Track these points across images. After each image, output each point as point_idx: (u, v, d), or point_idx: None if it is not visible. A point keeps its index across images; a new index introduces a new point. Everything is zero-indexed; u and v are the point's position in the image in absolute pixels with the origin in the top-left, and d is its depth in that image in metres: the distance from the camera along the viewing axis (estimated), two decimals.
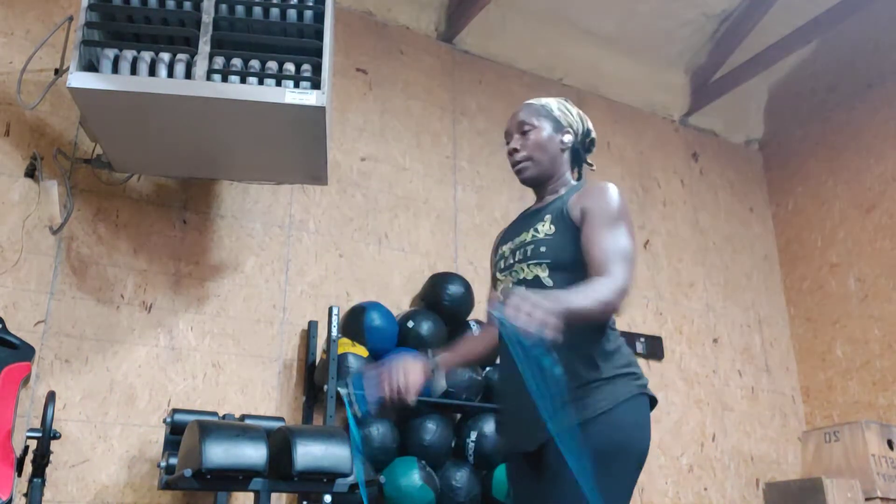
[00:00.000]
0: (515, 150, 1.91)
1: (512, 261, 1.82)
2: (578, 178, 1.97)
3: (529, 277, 1.76)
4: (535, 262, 1.75)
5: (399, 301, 3.91)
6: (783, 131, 5.78)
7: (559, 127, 1.91)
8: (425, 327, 3.59)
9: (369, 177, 4.09)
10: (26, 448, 2.72)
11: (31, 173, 3.18)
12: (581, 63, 5.07)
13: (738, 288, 5.30)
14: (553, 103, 1.94)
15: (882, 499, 4.16)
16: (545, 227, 1.79)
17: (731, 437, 4.81)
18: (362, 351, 3.39)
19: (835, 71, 5.43)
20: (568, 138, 1.91)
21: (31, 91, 3.24)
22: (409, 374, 1.75)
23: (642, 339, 4.66)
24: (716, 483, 4.62)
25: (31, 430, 2.66)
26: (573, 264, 1.71)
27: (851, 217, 5.15)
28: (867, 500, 4.15)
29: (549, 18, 4.85)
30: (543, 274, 1.74)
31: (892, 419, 4.64)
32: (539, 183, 1.92)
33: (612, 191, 1.74)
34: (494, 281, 1.91)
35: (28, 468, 2.71)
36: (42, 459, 2.63)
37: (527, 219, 1.90)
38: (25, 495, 2.62)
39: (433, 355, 1.88)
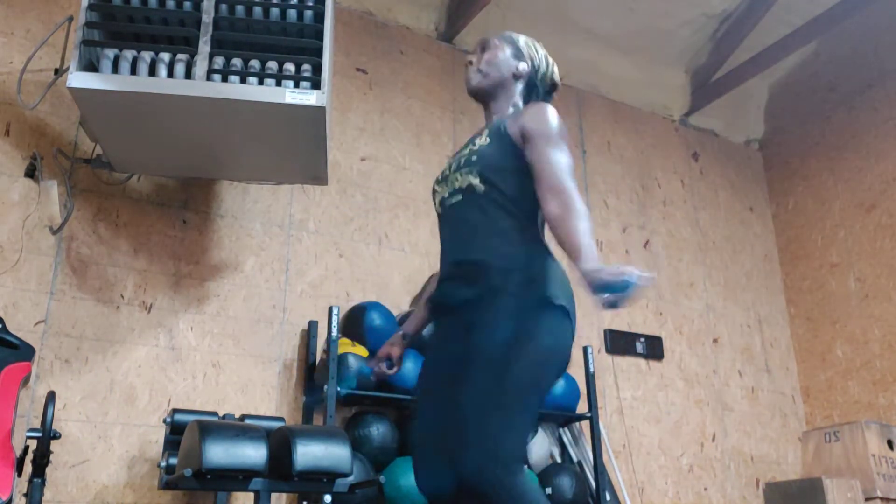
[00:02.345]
0: (469, 63, 2.00)
1: (447, 172, 1.92)
2: None
3: (464, 186, 1.83)
4: (467, 169, 1.83)
5: (399, 301, 3.91)
6: (783, 131, 5.78)
7: (518, 54, 1.98)
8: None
9: (369, 177, 4.09)
10: (26, 448, 2.72)
11: (31, 173, 3.18)
12: (581, 63, 5.07)
13: (738, 288, 5.30)
14: (521, 37, 2.02)
15: (882, 499, 4.15)
16: (481, 140, 1.87)
17: (731, 437, 4.81)
18: (362, 351, 3.39)
19: (835, 71, 5.43)
20: (523, 67, 1.97)
21: (31, 91, 3.24)
22: (391, 356, 2.03)
23: (642, 339, 4.66)
24: (716, 483, 4.62)
25: (31, 430, 2.66)
26: (503, 170, 1.79)
27: (851, 217, 5.15)
28: (867, 500, 4.15)
29: (549, 18, 4.85)
30: (475, 181, 1.81)
31: (892, 419, 4.64)
32: (483, 97, 1.98)
33: (550, 111, 1.80)
34: (434, 194, 1.98)
35: (28, 468, 2.71)
36: (42, 459, 2.63)
37: (469, 141, 1.97)
38: (25, 495, 2.62)
39: (398, 332, 2.08)
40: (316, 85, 2.70)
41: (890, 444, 4.41)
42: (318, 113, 2.71)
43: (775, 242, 5.65)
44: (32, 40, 3.33)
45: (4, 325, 2.92)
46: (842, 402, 4.97)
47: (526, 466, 1.66)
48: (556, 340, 1.68)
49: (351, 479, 2.75)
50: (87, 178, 3.30)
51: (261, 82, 2.67)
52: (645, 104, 5.40)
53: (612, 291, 1.40)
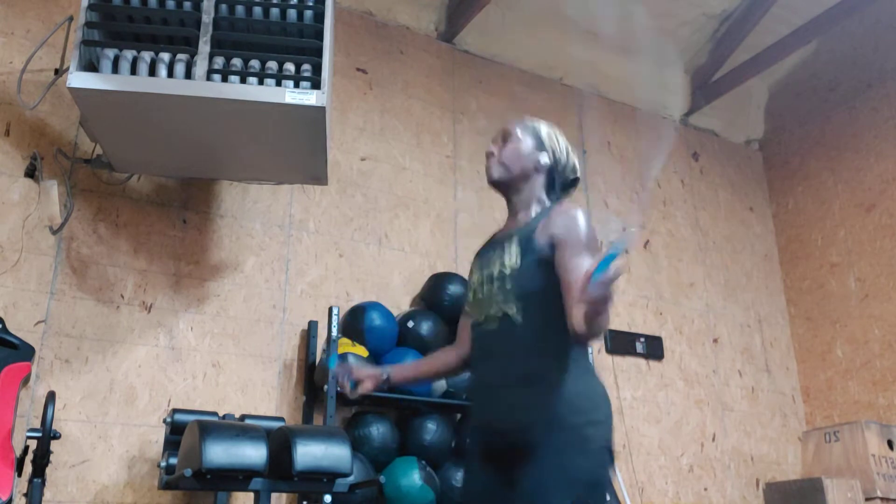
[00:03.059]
0: (491, 154, 1.99)
1: (481, 295, 1.90)
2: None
3: (499, 315, 1.82)
4: (501, 297, 1.82)
5: (399, 301, 3.91)
6: (783, 131, 5.78)
7: (540, 146, 1.96)
8: (425, 327, 3.59)
9: (369, 177, 4.09)
10: (26, 448, 2.72)
11: (31, 173, 3.18)
12: (581, 63, 5.07)
13: (738, 288, 5.30)
14: (543, 127, 2.00)
15: (882, 499, 4.16)
16: (511, 261, 1.83)
17: (731, 437, 4.81)
18: (362, 351, 3.38)
19: (835, 71, 5.43)
20: (545, 160, 1.95)
21: (31, 91, 3.24)
22: (357, 377, 2.03)
23: (642, 339, 4.66)
24: (716, 483, 4.62)
25: (31, 430, 2.66)
26: (540, 295, 1.77)
27: (851, 216, 5.15)
28: (867, 500, 4.15)
29: (549, 18, 4.85)
30: (512, 311, 1.80)
31: (892, 419, 4.64)
32: (505, 189, 1.98)
33: (580, 217, 1.79)
34: (466, 303, 2.00)
35: (28, 468, 2.71)
36: (42, 459, 2.63)
37: (496, 246, 1.94)
38: (25, 495, 2.63)
39: (386, 368, 2.09)
40: (316, 85, 2.70)
41: (890, 444, 4.41)
42: (318, 113, 2.71)
43: (775, 242, 5.65)
44: (32, 40, 3.33)
45: (4, 325, 2.92)
46: (842, 402, 4.97)
47: None
48: (599, 477, 1.73)
49: (351, 479, 2.75)
50: (87, 178, 3.30)
51: (261, 82, 2.67)
52: (645, 104, 5.40)
53: (602, 270, 1.39)
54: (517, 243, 1.85)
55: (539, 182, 1.95)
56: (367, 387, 2.02)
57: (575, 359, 1.78)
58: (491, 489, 1.80)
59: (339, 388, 2.04)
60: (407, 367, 2.16)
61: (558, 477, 1.67)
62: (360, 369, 2.06)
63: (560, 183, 1.99)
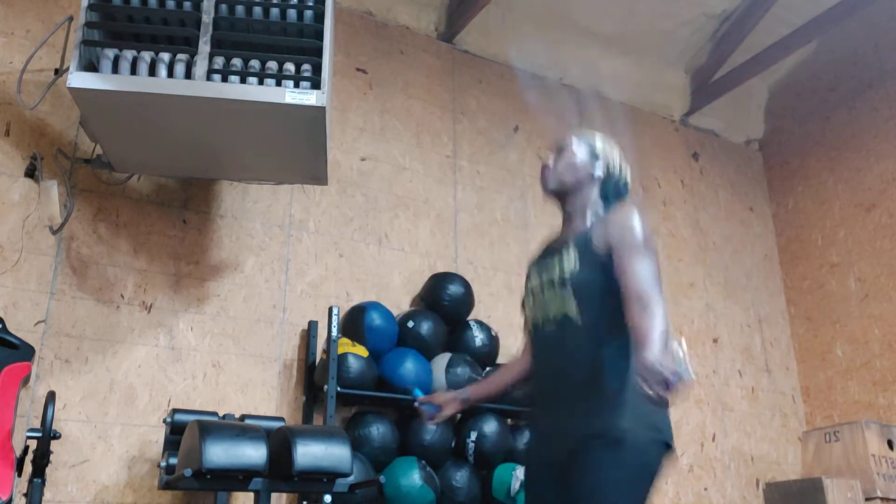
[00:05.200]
0: (546, 167, 2.08)
1: (542, 298, 1.96)
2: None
3: (559, 316, 1.89)
4: (560, 298, 1.89)
5: (399, 301, 3.91)
6: (783, 131, 5.78)
7: (594, 157, 2.04)
8: (425, 327, 3.59)
9: (369, 177, 4.09)
10: (26, 448, 2.72)
11: (31, 173, 3.18)
12: (581, 63, 5.07)
13: (738, 288, 5.30)
14: (598, 137, 2.09)
15: (882, 499, 4.16)
16: (570, 265, 1.90)
17: (731, 437, 4.81)
18: (362, 351, 3.39)
19: (835, 71, 5.43)
20: (599, 171, 2.03)
21: (31, 91, 3.24)
22: (442, 406, 2.13)
23: None
24: (716, 483, 4.62)
25: (31, 430, 2.66)
26: (599, 296, 1.84)
27: (851, 216, 5.15)
28: (867, 500, 4.15)
29: (549, 18, 4.85)
30: (572, 312, 1.86)
31: (892, 419, 4.64)
32: (559, 197, 2.05)
33: (635, 218, 1.85)
34: (524, 308, 2.05)
35: (28, 468, 2.71)
36: (42, 459, 2.63)
37: (553, 252, 2.01)
38: (25, 495, 2.63)
39: (465, 389, 2.18)
40: (316, 85, 2.70)
41: (890, 444, 4.41)
42: (318, 113, 2.71)
43: (775, 242, 5.65)
44: (32, 40, 3.33)
45: (4, 325, 2.92)
46: (842, 402, 4.97)
47: None
48: (654, 474, 1.79)
49: (351, 479, 2.75)
50: (87, 178, 3.30)
51: (261, 82, 2.67)
52: (645, 104, 5.40)
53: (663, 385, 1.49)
54: (575, 249, 1.92)
55: (593, 191, 2.03)
56: (450, 410, 2.13)
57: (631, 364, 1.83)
58: (550, 494, 1.87)
59: (427, 417, 2.14)
60: (483, 385, 2.21)
61: (617, 477, 1.72)
62: (441, 395, 2.16)
63: (614, 192, 2.07)
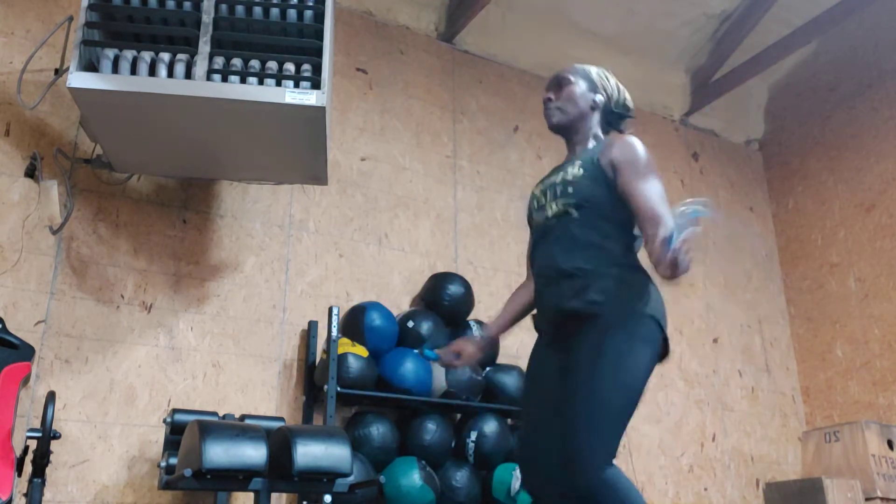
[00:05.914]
0: (549, 100, 2.15)
1: (544, 200, 2.06)
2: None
3: (560, 213, 1.99)
4: (563, 200, 1.99)
5: (399, 301, 3.91)
6: (783, 131, 5.78)
7: (593, 87, 2.15)
8: (425, 327, 3.59)
9: (369, 177, 4.09)
10: (26, 448, 2.72)
11: (31, 173, 3.18)
12: (581, 63, 5.06)
13: (738, 288, 5.30)
14: (593, 68, 2.19)
15: (882, 499, 4.15)
16: (574, 171, 2.01)
17: (731, 437, 4.81)
18: (362, 351, 3.38)
19: (835, 71, 5.43)
20: (600, 98, 2.14)
21: (31, 91, 3.24)
22: (463, 352, 2.17)
23: None
24: (716, 483, 4.62)
25: (31, 430, 2.66)
26: (597, 199, 1.95)
27: (851, 216, 5.15)
28: (867, 500, 4.15)
29: (549, 18, 4.85)
30: (571, 209, 1.97)
31: (892, 419, 4.64)
32: (565, 131, 2.13)
33: (637, 144, 1.98)
34: (530, 220, 2.15)
35: (28, 468, 2.71)
36: (42, 459, 2.63)
37: (559, 170, 2.11)
38: (25, 495, 2.63)
39: (481, 330, 2.26)
40: (316, 85, 2.70)
41: (890, 444, 4.41)
42: (318, 113, 2.71)
43: (775, 242, 5.65)
44: (32, 40, 3.33)
45: (4, 325, 2.92)
46: (842, 402, 4.97)
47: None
48: (650, 348, 1.86)
49: (351, 479, 2.75)
50: (87, 178, 3.30)
51: (261, 82, 2.67)
52: (645, 104, 5.40)
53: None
54: (580, 164, 2.02)
55: (595, 119, 2.14)
56: (469, 350, 2.16)
57: (630, 261, 1.94)
58: (552, 368, 1.95)
59: (450, 363, 2.19)
60: (499, 320, 2.24)
61: (619, 349, 1.80)
62: (459, 343, 2.20)
63: (616, 115, 2.17)
